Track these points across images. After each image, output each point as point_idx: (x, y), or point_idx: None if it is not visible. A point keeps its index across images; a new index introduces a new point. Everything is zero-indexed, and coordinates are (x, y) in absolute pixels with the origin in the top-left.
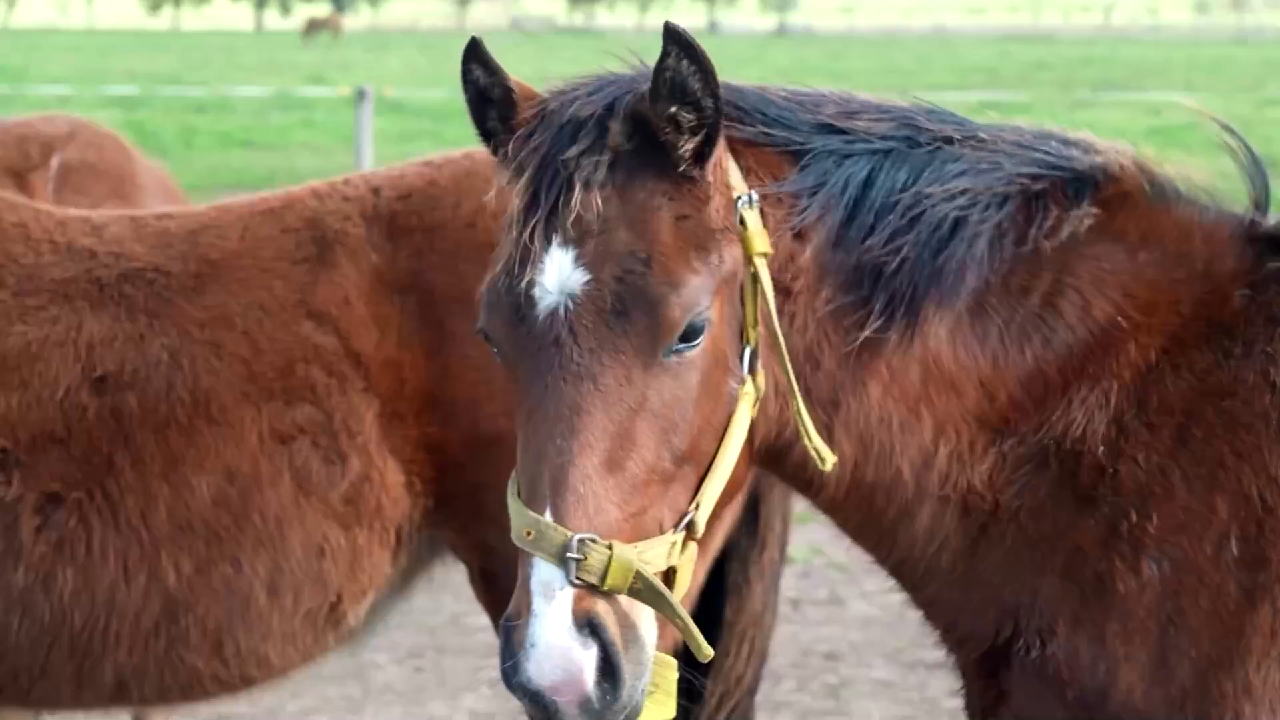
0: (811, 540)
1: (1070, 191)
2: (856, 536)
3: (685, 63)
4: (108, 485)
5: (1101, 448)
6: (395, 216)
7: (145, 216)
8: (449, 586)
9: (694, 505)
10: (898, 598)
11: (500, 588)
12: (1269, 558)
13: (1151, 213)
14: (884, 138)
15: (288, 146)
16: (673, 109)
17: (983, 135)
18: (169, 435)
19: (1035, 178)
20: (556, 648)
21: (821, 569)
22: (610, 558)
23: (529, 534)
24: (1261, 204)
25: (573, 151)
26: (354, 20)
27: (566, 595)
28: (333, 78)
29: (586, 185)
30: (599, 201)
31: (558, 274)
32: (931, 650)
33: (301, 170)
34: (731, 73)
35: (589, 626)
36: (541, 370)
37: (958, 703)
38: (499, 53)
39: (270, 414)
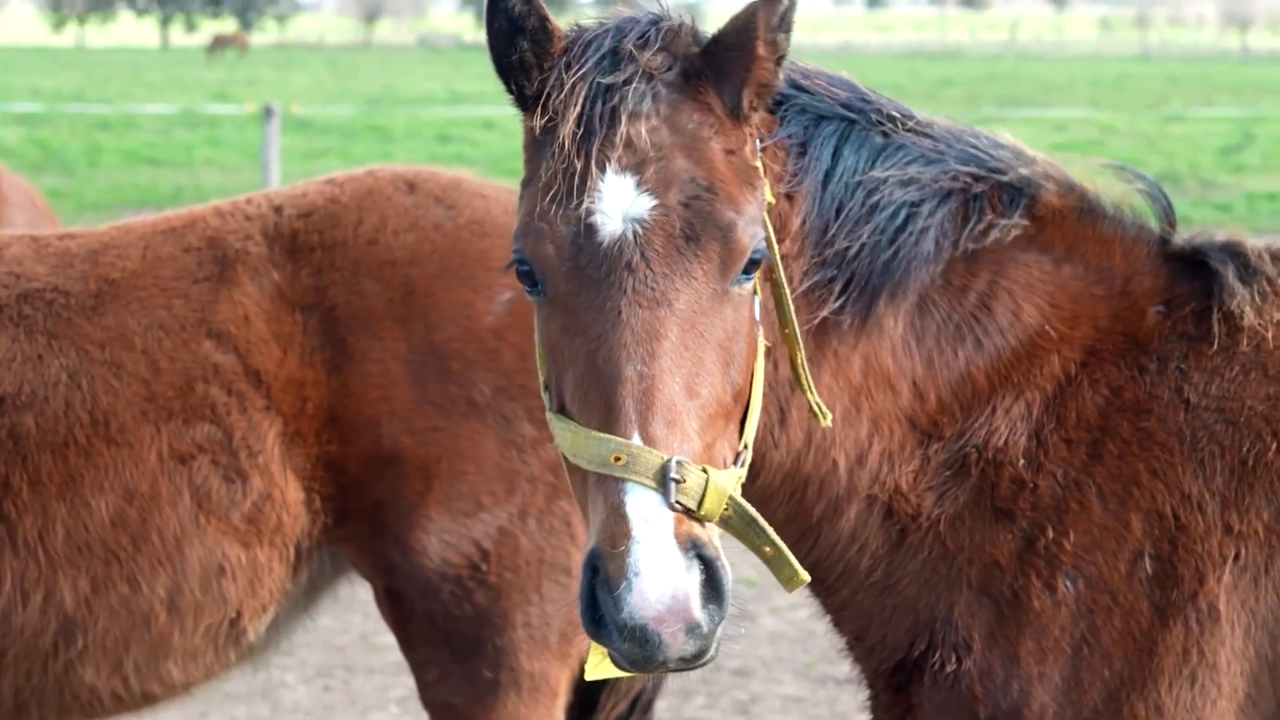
0: None
1: (1006, 197)
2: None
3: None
4: (4, 506)
5: (1022, 460)
6: (296, 234)
7: (47, 237)
8: (357, 605)
9: (743, 444)
10: (807, 613)
11: (406, 606)
12: (1181, 576)
13: (1077, 226)
14: (845, 106)
15: (193, 164)
16: (737, 41)
17: (919, 117)
18: (67, 455)
19: (976, 177)
20: (667, 573)
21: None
22: (708, 481)
23: (618, 459)
24: (1172, 222)
25: (619, 78)
26: (260, 37)
27: (668, 518)
28: (239, 95)
29: (637, 112)
30: (652, 128)
31: (620, 200)
32: (841, 665)
33: (207, 188)
34: None
35: (693, 548)
36: (610, 296)
37: (868, 718)
38: (407, 69)
39: (170, 433)
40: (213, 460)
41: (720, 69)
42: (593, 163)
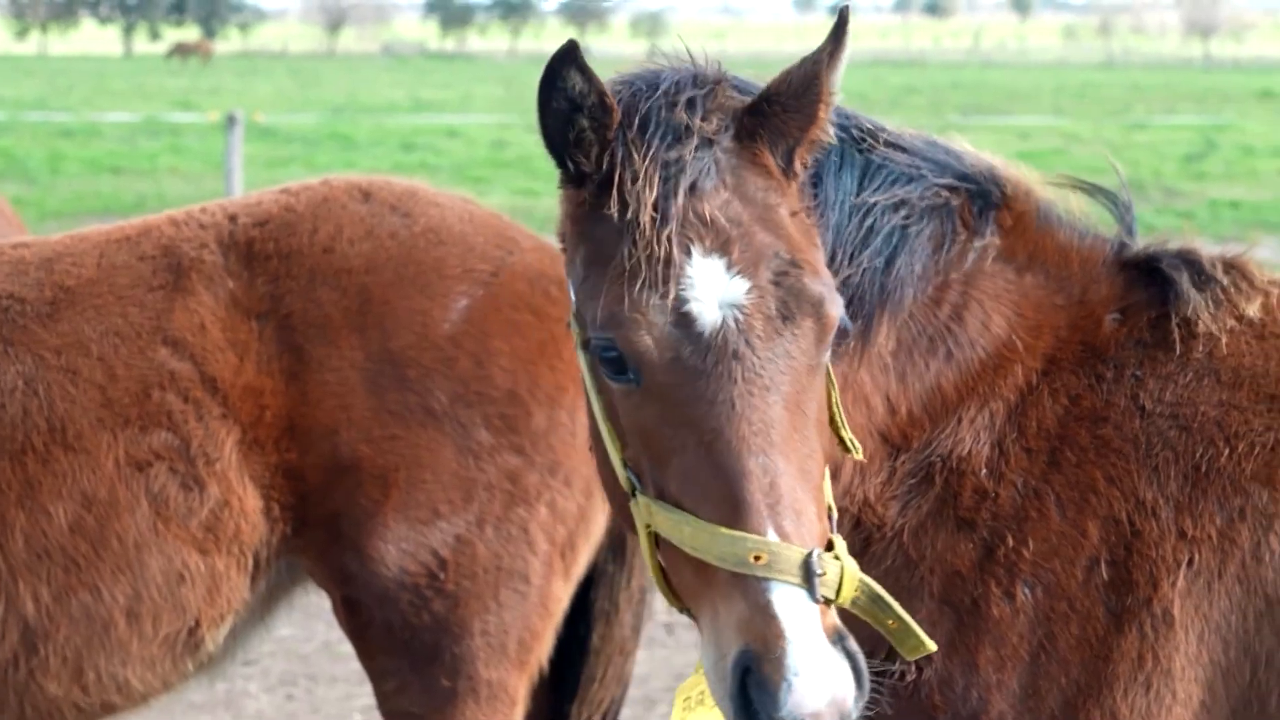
0: None
1: (977, 209)
2: None
3: (833, 54)
4: None
5: (984, 470)
6: (252, 243)
7: (1, 245)
8: (321, 614)
9: (828, 507)
10: None
11: (364, 615)
12: (1136, 581)
13: (1036, 236)
14: (836, 127)
15: (156, 173)
16: (798, 101)
17: (889, 129)
18: (25, 462)
19: (953, 190)
20: (825, 672)
21: None
22: (843, 569)
23: (758, 558)
24: (1130, 230)
25: (684, 151)
26: (224, 45)
27: (815, 614)
28: (202, 103)
29: (708, 187)
30: (725, 202)
31: (714, 285)
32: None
33: (170, 196)
34: None
35: (839, 641)
36: (720, 387)
37: None
38: (371, 77)
39: (127, 440)
40: (170, 467)
41: (776, 129)
42: (677, 248)
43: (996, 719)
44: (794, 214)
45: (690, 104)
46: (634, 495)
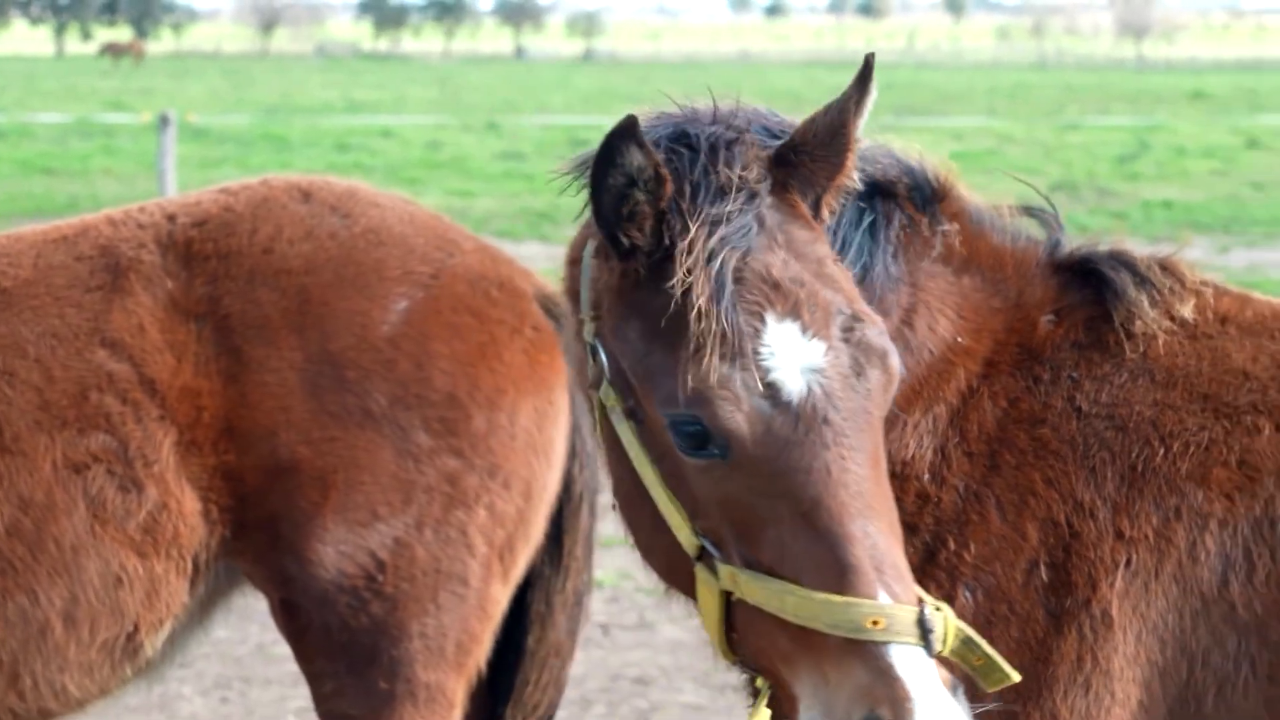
0: (620, 565)
1: (929, 215)
2: None
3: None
4: None
5: (927, 474)
6: (191, 243)
7: None
8: (255, 616)
9: None
10: None
11: (302, 618)
12: (1075, 583)
13: (971, 239)
14: None
15: (89, 174)
16: (825, 150)
17: None
18: None
19: (909, 196)
20: None
21: (630, 593)
22: (945, 620)
23: (876, 623)
24: (1060, 232)
25: (739, 218)
26: (156, 46)
27: (934, 672)
28: (135, 104)
29: (766, 246)
30: (783, 261)
31: (793, 352)
32: (740, 674)
33: (103, 197)
34: (539, 99)
35: (953, 690)
36: (816, 454)
37: None
38: (305, 78)
39: (64, 442)
40: (108, 470)
41: (806, 179)
42: (751, 317)
43: None
44: (835, 260)
45: (730, 158)
46: (698, 560)
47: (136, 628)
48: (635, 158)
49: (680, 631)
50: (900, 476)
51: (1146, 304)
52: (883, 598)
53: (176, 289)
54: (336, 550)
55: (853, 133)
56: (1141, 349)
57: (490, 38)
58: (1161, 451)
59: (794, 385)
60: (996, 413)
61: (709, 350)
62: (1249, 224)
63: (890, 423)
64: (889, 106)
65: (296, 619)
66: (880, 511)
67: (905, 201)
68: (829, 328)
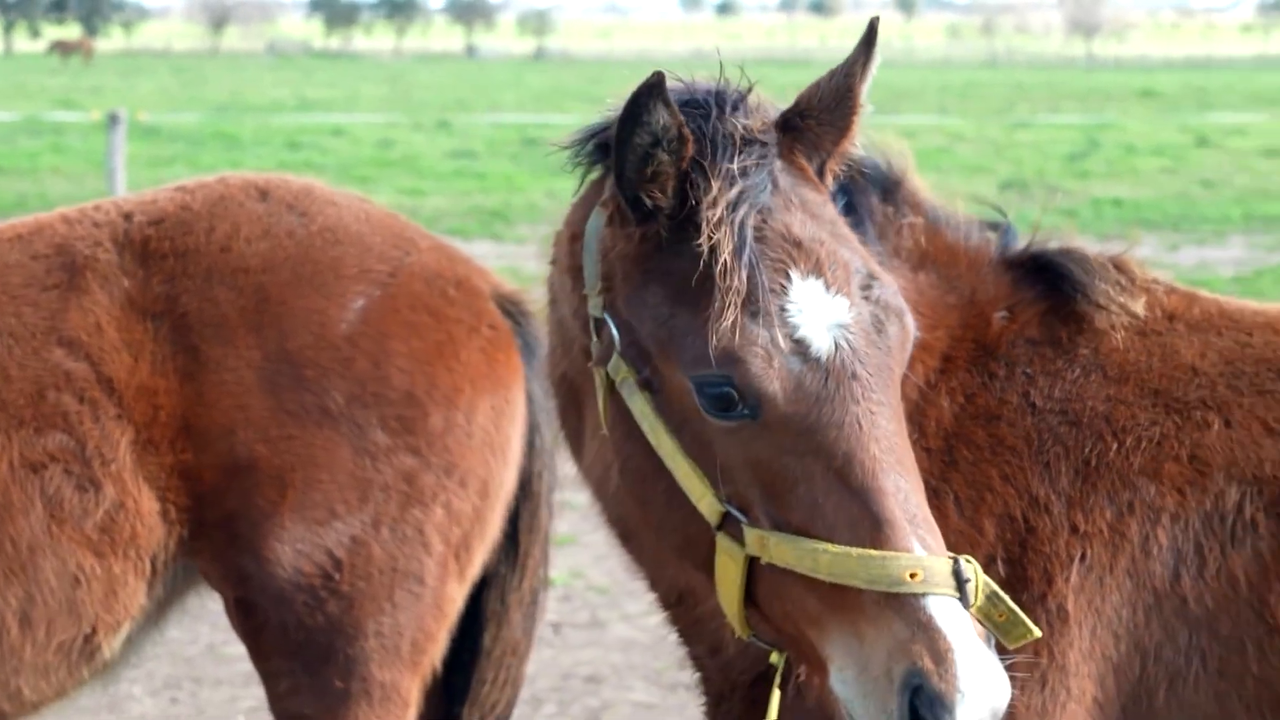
0: (572, 564)
1: (892, 206)
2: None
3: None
4: None
5: None
6: (147, 241)
7: None
8: (205, 616)
9: None
10: (658, 620)
11: (258, 617)
12: (1031, 578)
13: (928, 236)
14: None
15: (38, 172)
16: (831, 115)
17: None
18: None
19: (871, 187)
20: (993, 678)
21: (582, 592)
22: (976, 573)
23: (914, 575)
24: (1011, 230)
25: (760, 179)
26: (106, 44)
27: (971, 623)
28: (84, 102)
29: (785, 206)
30: (801, 221)
31: (820, 309)
32: (692, 673)
33: (52, 196)
34: (490, 97)
35: (988, 642)
36: (847, 410)
37: None
38: (256, 76)
39: (21, 442)
40: (65, 469)
41: (812, 143)
42: (777, 274)
43: None
44: (844, 220)
45: (743, 111)
46: (719, 529)
47: (94, 629)
48: (661, 116)
49: (632, 630)
50: None
51: (1097, 300)
52: (918, 550)
53: (133, 287)
54: (294, 549)
55: (859, 96)
56: (1093, 345)
57: (441, 36)
58: (1115, 446)
59: (822, 342)
60: (954, 408)
61: (739, 308)
62: (1198, 222)
63: None
64: None
65: (252, 617)
66: (908, 465)
67: (865, 186)
68: (850, 285)
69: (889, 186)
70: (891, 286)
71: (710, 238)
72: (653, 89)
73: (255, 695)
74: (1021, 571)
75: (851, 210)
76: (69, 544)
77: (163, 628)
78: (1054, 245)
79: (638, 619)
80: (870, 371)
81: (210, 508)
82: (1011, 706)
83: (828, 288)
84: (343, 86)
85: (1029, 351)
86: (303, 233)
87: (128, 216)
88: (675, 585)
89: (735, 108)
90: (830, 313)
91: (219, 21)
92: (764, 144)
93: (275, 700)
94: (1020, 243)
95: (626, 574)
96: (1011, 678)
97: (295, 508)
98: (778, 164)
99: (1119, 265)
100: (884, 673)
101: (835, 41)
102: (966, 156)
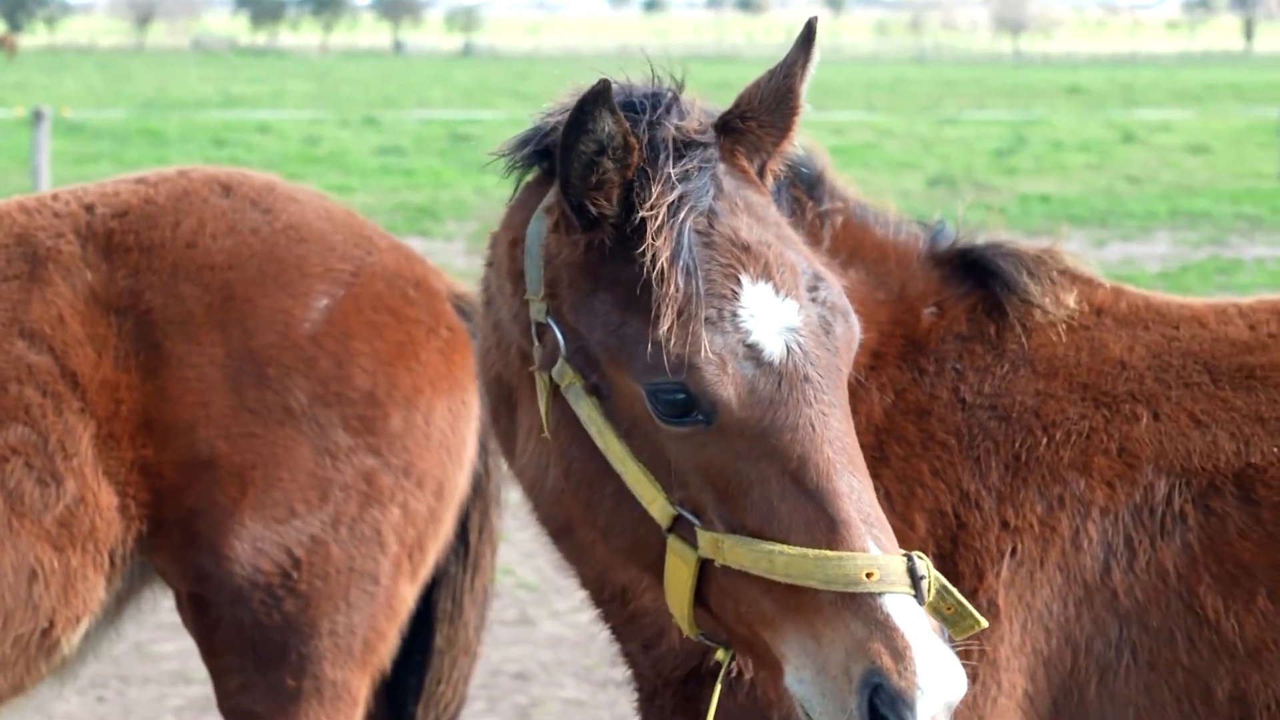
0: (501, 561)
1: (814, 200)
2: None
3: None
4: None
5: None
6: (111, 235)
7: None
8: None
9: None
10: (587, 617)
11: (213, 614)
12: (962, 573)
13: (856, 232)
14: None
15: None
16: (772, 115)
17: None
18: None
19: (795, 183)
20: (951, 674)
21: (511, 589)
22: (928, 569)
23: (870, 574)
24: (940, 226)
25: (703, 183)
26: (29, 40)
27: (926, 620)
28: (8, 99)
29: (730, 210)
30: (748, 225)
31: (769, 312)
32: (622, 669)
33: None
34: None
35: (943, 638)
36: (800, 412)
37: None
38: (181, 72)
39: None
40: (26, 463)
41: (753, 144)
42: (727, 279)
43: None
44: (787, 222)
45: (681, 114)
46: (670, 532)
47: (52, 624)
48: (607, 124)
49: (560, 627)
50: None
51: (1027, 295)
52: (873, 549)
53: (97, 281)
54: (253, 547)
55: (800, 97)
56: (1022, 340)
57: (368, 32)
58: (1044, 441)
59: (774, 346)
60: (884, 404)
61: (691, 316)
62: (1124, 217)
63: None
64: None
65: (206, 615)
66: (859, 465)
67: (792, 184)
68: (798, 288)
69: (813, 183)
70: (836, 287)
71: (653, 245)
72: (598, 96)
73: (183, 694)
74: (952, 567)
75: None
76: (28, 537)
77: (121, 626)
78: (982, 241)
79: (567, 616)
80: (821, 373)
81: (170, 504)
82: None
83: (777, 291)
84: (269, 83)
85: (958, 347)
86: (267, 230)
87: (89, 208)
88: (609, 583)
89: (672, 110)
90: (781, 316)
91: (144, 17)
92: (705, 146)
93: (224, 698)
94: (948, 239)
95: (555, 571)
96: (966, 669)
97: (255, 506)
98: (720, 167)
99: (1050, 258)
100: (842, 672)
101: (762, 38)
102: (894, 153)
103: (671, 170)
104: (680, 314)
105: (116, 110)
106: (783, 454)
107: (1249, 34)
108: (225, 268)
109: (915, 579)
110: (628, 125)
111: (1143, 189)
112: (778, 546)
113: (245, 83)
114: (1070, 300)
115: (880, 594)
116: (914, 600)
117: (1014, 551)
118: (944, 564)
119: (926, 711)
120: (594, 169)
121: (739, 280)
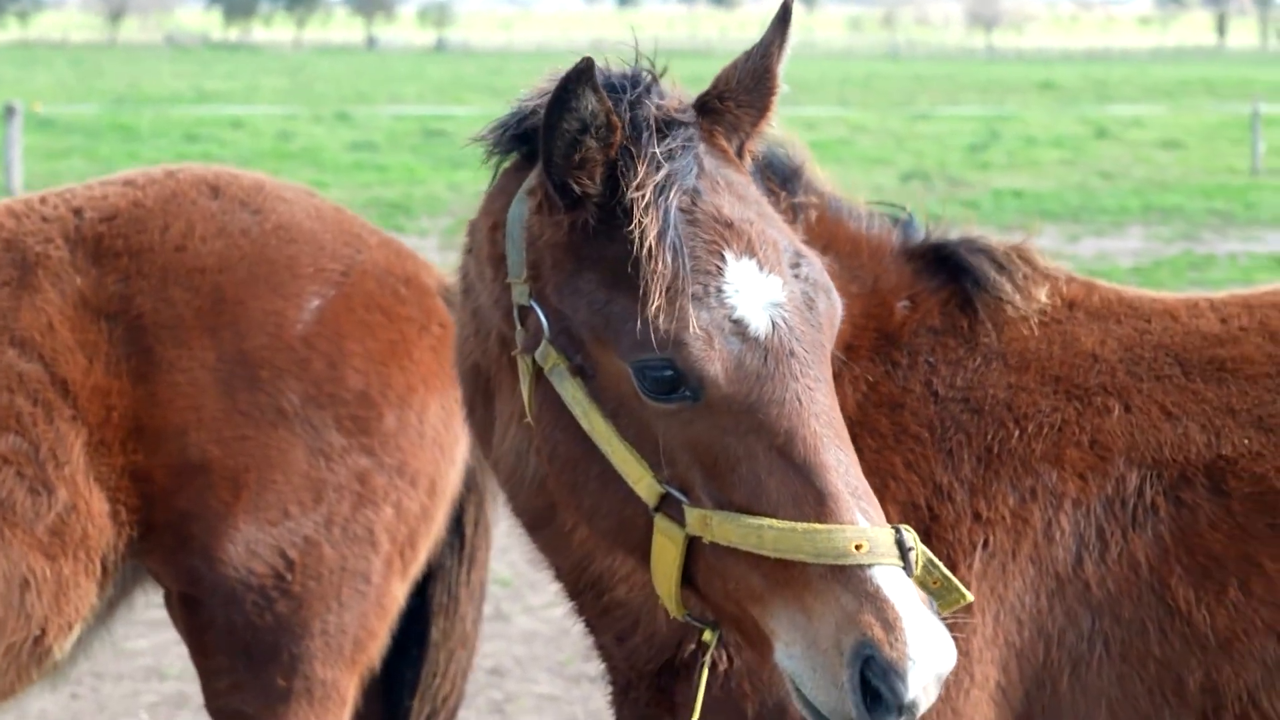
0: None
1: (787, 191)
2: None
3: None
4: None
5: None
6: (100, 239)
7: None
8: None
9: None
10: (561, 612)
11: (205, 615)
12: None
13: (830, 226)
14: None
15: None
16: (750, 96)
17: None
18: None
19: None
20: (941, 644)
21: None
22: (915, 541)
23: (859, 546)
24: (913, 221)
25: (687, 162)
26: (1, 34)
27: (915, 591)
28: None
29: (712, 188)
30: (730, 203)
31: (754, 288)
32: (596, 664)
33: None
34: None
35: (931, 609)
36: (786, 387)
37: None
38: (154, 67)
39: None
40: (18, 472)
41: (731, 124)
42: (712, 256)
43: None
44: (767, 199)
45: (661, 94)
46: (657, 511)
47: (44, 631)
48: (590, 102)
49: (535, 622)
50: None
51: (1000, 289)
52: (861, 522)
53: (86, 286)
54: (247, 549)
55: (777, 77)
56: (994, 333)
57: (342, 28)
58: (1016, 433)
59: (760, 321)
60: (857, 396)
61: (678, 293)
62: (1097, 212)
63: None
64: None
65: (198, 615)
66: (845, 438)
67: (765, 174)
68: (781, 264)
69: (789, 175)
70: (818, 264)
71: (640, 223)
72: (582, 74)
73: (157, 690)
74: None
75: None
76: (20, 547)
77: (112, 628)
78: (955, 235)
79: (541, 611)
80: (806, 348)
81: (161, 509)
82: None
83: (761, 267)
84: (242, 78)
85: (931, 340)
86: (257, 231)
87: (78, 212)
88: (586, 572)
89: (652, 91)
90: (766, 292)
91: (116, 12)
92: (686, 125)
93: (213, 697)
94: (921, 233)
95: (529, 566)
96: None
97: (249, 508)
98: (701, 146)
99: (1020, 254)
100: (833, 645)
101: (736, 33)
102: (868, 148)
103: (656, 149)
104: (668, 291)
105: (89, 105)
106: (770, 428)
107: (1221, 29)
108: (215, 270)
109: (903, 551)
110: (610, 104)
111: (1116, 184)
112: (766, 521)
113: (218, 78)
114: (1041, 295)
115: (869, 566)
116: (903, 572)
117: (986, 544)
118: None
119: (918, 682)
120: (577, 147)
121: (723, 257)
